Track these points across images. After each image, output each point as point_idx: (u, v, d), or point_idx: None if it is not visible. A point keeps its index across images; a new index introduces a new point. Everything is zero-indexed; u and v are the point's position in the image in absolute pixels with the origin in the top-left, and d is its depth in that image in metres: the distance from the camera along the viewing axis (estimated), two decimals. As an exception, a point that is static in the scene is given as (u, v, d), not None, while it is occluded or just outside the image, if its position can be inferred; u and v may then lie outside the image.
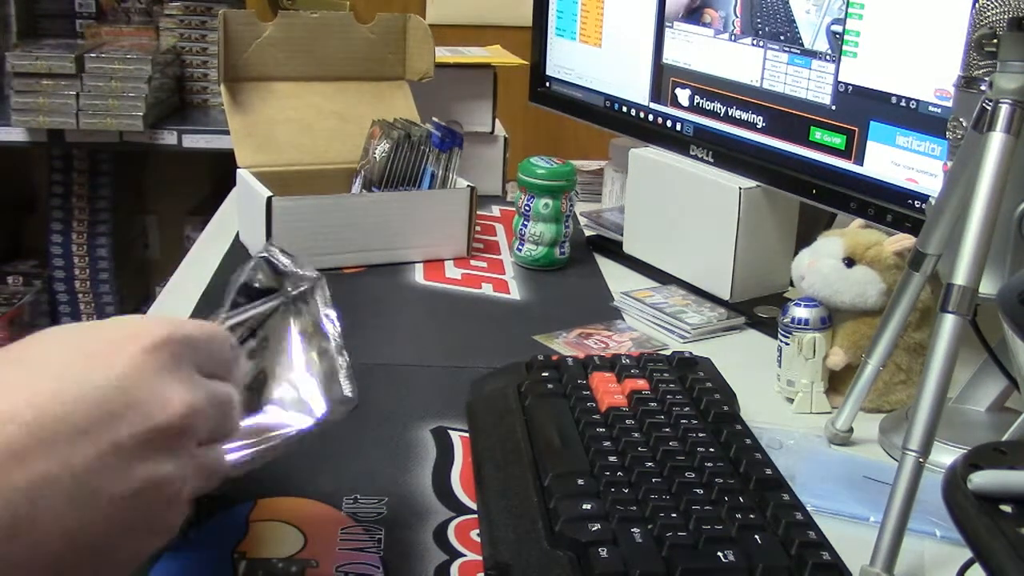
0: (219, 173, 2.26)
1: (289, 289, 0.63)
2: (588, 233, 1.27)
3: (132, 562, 0.46)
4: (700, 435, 0.68)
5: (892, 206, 0.88)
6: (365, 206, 1.14)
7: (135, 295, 2.70)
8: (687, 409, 0.72)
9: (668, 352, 0.87)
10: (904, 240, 0.83)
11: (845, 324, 0.85)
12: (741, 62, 1.03)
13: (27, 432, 0.41)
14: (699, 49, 1.08)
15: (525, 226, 1.15)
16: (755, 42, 1.01)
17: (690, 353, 0.84)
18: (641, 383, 0.77)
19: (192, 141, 2.30)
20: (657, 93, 1.15)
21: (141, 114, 2.23)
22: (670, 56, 1.13)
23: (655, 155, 1.14)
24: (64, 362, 0.45)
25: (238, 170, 1.19)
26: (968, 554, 0.50)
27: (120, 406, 0.44)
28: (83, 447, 0.42)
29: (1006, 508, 0.48)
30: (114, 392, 0.44)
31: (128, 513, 0.44)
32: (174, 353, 0.48)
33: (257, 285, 0.64)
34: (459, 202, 1.17)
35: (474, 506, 0.68)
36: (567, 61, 1.30)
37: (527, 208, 1.14)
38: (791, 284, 1.04)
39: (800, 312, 0.84)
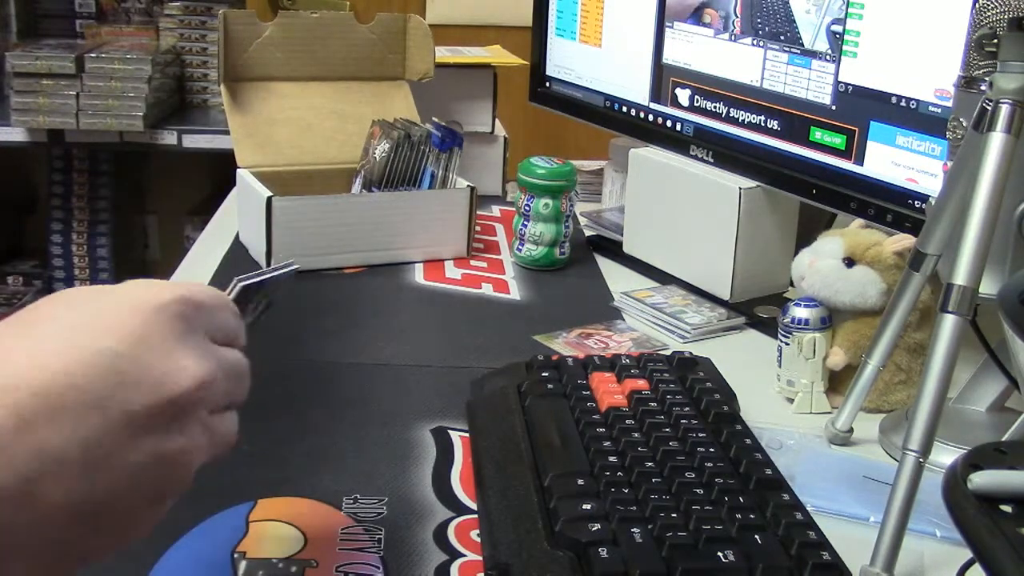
0: (219, 173, 2.26)
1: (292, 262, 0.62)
2: (588, 233, 1.27)
3: (138, 531, 0.45)
4: (700, 435, 0.68)
5: (892, 206, 0.88)
6: (365, 206, 1.14)
7: (135, 295, 2.70)
8: (687, 409, 0.72)
9: (668, 352, 0.87)
10: (904, 240, 0.83)
11: (845, 324, 0.85)
12: (741, 62, 1.03)
13: (36, 400, 0.39)
14: (699, 49, 1.08)
15: (525, 226, 1.15)
16: (755, 42, 1.01)
17: (690, 353, 0.84)
18: (641, 383, 0.77)
19: (192, 141, 2.30)
20: (657, 93, 1.15)
21: (141, 114, 2.23)
22: (670, 56, 1.13)
23: (655, 155, 1.14)
24: (73, 326, 0.43)
25: (238, 170, 1.19)
26: (968, 554, 0.50)
27: (132, 375, 0.42)
28: (93, 417, 0.41)
29: (1006, 508, 0.48)
30: (126, 360, 0.42)
31: (137, 483, 0.43)
32: (187, 317, 0.46)
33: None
34: (459, 202, 1.17)
35: (474, 506, 0.68)
36: (567, 61, 1.30)
37: (527, 208, 1.14)
38: (791, 284, 1.04)
39: (800, 312, 0.84)
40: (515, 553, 0.58)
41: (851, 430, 0.79)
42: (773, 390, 0.87)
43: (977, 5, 0.67)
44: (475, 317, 1.03)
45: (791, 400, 0.85)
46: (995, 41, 0.66)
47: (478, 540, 0.64)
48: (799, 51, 0.96)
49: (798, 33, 0.96)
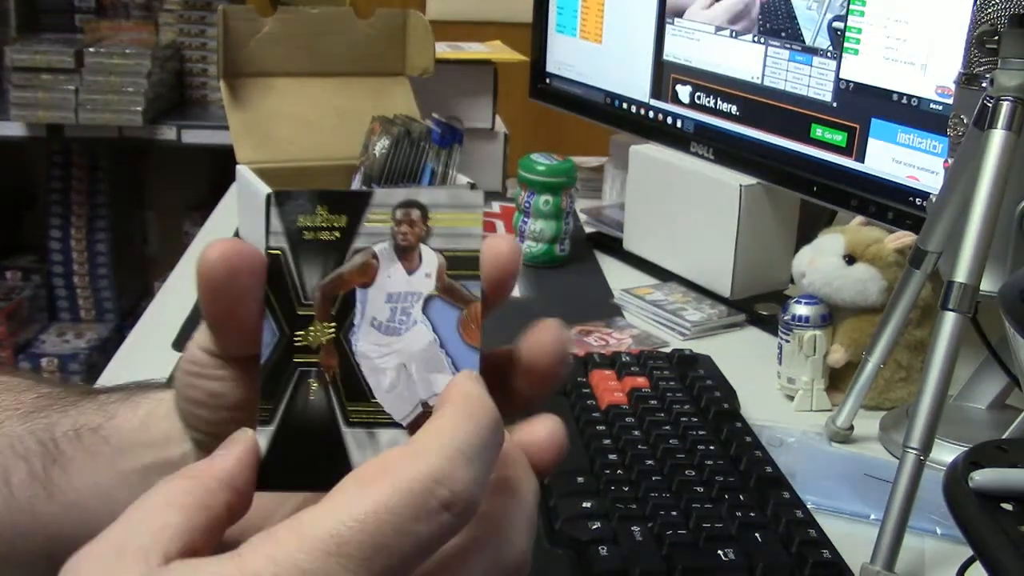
0: (218, 169, 2.25)
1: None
2: (588, 230, 1.27)
3: None
4: (700, 433, 0.68)
5: (893, 203, 0.88)
6: (365, 202, 1.14)
7: (134, 291, 2.70)
8: (687, 407, 0.72)
9: (668, 349, 0.86)
10: (905, 237, 0.83)
11: (846, 321, 0.85)
12: (742, 59, 1.03)
13: None
14: (700, 46, 1.08)
15: (525, 223, 1.15)
16: (756, 39, 1.01)
17: (690, 351, 0.84)
18: (641, 381, 0.77)
19: (191, 136, 2.29)
20: (658, 90, 1.15)
21: (140, 109, 2.23)
22: (671, 52, 1.12)
23: (656, 152, 1.14)
24: None
25: (237, 166, 1.19)
26: (969, 552, 0.50)
27: None
28: None
29: (1007, 506, 0.48)
30: None
31: None
32: None
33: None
34: (459, 198, 1.17)
35: (474, 503, 0.68)
36: (567, 57, 1.30)
37: (527, 205, 1.14)
38: (792, 281, 1.04)
39: (801, 309, 0.84)
40: (515, 551, 0.58)
41: (851, 428, 0.79)
42: (773, 387, 0.87)
43: (978, 2, 0.67)
44: (475, 314, 1.02)
45: (791, 398, 0.85)
46: (996, 38, 0.66)
47: (478, 537, 0.64)
48: (800, 48, 0.96)
49: (799, 30, 0.96)
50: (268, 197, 0.39)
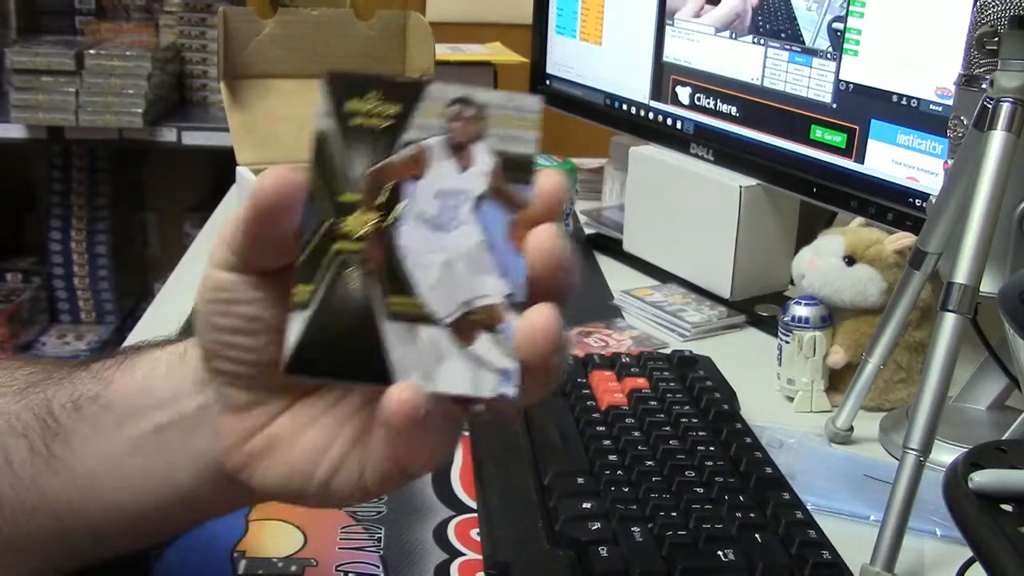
0: (219, 170, 2.26)
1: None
2: (588, 231, 1.27)
3: None
4: (700, 434, 0.68)
5: (893, 204, 0.88)
6: (365, 204, 1.14)
7: (134, 292, 2.70)
8: (687, 408, 0.72)
9: (668, 351, 0.86)
10: (905, 238, 0.83)
11: (845, 322, 0.85)
12: (742, 60, 1.03)
13: None
14: (700, 47, 1.08)
15: (525, 224, 1.15)
16: (756, 40, 1.01)
17: (690, 352, 0.84)
18: (641, 382, 0.77)
19: (192, 138, 2.29)
20: (657, 91, 1.15)
21: (141, 111, 2.23)
22: (671, 54, 1.12)
23: (655, 153, 1.14)
24: None
25: (238, 168, 1.19)
26: (968, 553, 0.50)
27: None
28: None
29: (1007, 507, 0.48)
30: None
31: None
32: None
33: None
34: (459, 200, 1.17)
35: (474, 505, 0.68)
36: (567, 59, 1.30)
37: (527, 206, 1.14)
38: (791, 282, 1.04)
39: (800, 310, 0.84)
40: (515, 552, 0.58)
41: (851, 429, 0.79)
42: (773, 389, 0.87)
43: (978, 3, 0.67)
44: (475, 315, 1.02)
45: (791, 399, 0.85)
46: (996, 39, 0.66)
47: (478, 539, 0.64)
48: (800, 49, 0.96)
49: (799, 31, 0.96)
50: (324, 78, 0.38)
